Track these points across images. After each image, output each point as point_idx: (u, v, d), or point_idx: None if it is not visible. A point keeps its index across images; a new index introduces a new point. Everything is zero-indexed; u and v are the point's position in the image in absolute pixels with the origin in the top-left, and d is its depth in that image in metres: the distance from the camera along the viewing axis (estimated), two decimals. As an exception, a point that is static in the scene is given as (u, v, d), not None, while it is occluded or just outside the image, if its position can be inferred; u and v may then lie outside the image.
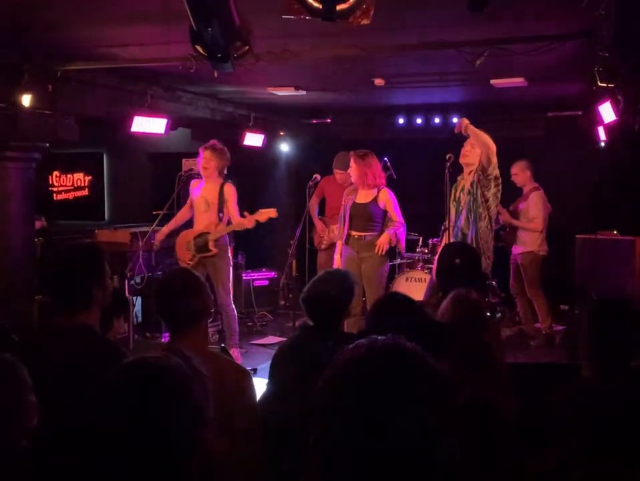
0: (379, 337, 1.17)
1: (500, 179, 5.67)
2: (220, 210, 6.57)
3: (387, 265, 6.47)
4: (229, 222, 6.62)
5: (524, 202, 7.51)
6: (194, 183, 6.80)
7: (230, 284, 6.69)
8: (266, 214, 6.45)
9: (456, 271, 4.06)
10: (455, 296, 3.11)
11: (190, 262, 6.61)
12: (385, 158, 7.74)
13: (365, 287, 6.21)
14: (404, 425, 1.06)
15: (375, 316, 2.76)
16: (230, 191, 6.58)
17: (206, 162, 6.50)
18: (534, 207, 7.38)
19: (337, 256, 6.57)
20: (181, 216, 6.86)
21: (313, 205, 7.90)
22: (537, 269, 7.38)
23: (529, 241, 7.36)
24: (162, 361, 1.56)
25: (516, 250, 7.51)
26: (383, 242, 6.17)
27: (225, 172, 6.68)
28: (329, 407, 1.11)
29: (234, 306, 6.70)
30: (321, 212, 8.25)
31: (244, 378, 2.75)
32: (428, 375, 1.12)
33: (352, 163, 6.43)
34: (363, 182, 6.33)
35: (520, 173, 7.56)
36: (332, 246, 7.29)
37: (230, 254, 6.80)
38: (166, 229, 6.75)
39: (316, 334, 3.24)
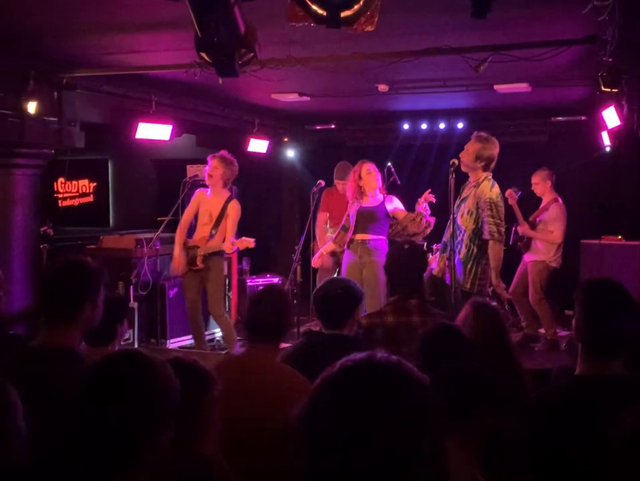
0: (374, 353, 1.20)
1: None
2: (216, 225, 6.51)
3: None
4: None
5: (544, 213, 7.47)
6: (199, 193, 6.72)
7: (223, 294, 6.71)
8: (246, 242, 6.43)
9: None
10: (475, 305, 3.15)
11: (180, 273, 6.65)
12: (389, 164, 7.74)
13: (366, 292, 6.19)
14: (386, 435, 1.07)
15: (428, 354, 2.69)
16: (234, 209, 6.52)
17: (212, 169, 6.46)
18: (556, 219, 7.35)
19: (322, 251, 6.63)
20: (183, 227, 6.76)
21: (322, 221, 7.78)
22: (545, 279, 7.34)
23: (543, 251, 7.33)
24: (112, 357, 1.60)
25: (528, 257, 7.47)
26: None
27: (230, 184, 6.65)
28: (312, 420, 1.13)
29: (227, 315, 6.71)
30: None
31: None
32: (410, 386, 1.14)
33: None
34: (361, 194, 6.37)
35: (541, 183, 7.50)
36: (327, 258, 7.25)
37: (225, 264, 6.77)
38: (178, 254, 6.62)
39: (321, 339, 3.27)
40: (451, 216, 5.50)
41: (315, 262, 6.81)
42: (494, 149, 5.44)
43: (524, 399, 2.61)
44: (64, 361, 2.44)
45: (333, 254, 6.93)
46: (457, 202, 5.59)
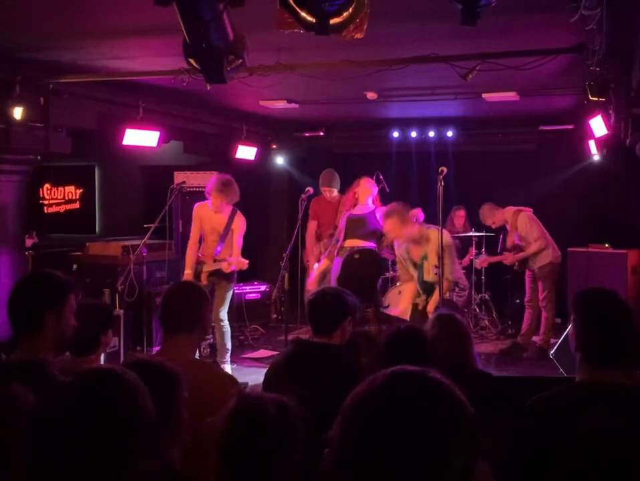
0: (399, 367, 1.19)
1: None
2: (222, 240, 6.52)
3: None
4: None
5: (515, 232, 7.50)
6: (199, 209, 6.71)
7: (227, 300, 6.68)
8: (240, 264, 6.43)
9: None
10: (437, 317, 3.27)
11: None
12: (377, 172, 7.74)
13: None
14: (425, 447, 1.08)
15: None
16: (239, 223, 6.55)
17: (219, 202, 6.45)
18: (529, 228, 7.38)
19: (316, 272, 6.61)
20: (193, 245, 6.75)
21: (312, 230, 7.78)
22: (555, 277, 7.42)
23: (542, 256, 7.38)
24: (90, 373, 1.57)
25: (534, 266, 7.49)
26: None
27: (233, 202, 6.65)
28: (353, 432, 1.12)
29: (227, 323, 6.67)
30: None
31: (234, 386, 2.75)
32: (449, 400, 1.14)
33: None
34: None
35: (491, 217, 7.62)
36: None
37: (232, 280, 6.75)
38: (188, 275, 6.61)
39: (310, 348, 3.24)
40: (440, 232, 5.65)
41: (311, 284, 6.75)
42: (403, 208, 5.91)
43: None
44: (29, 375, 2.36)
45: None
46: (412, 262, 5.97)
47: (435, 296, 5.79)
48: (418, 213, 6.02)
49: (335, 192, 7.41)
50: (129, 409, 1.51)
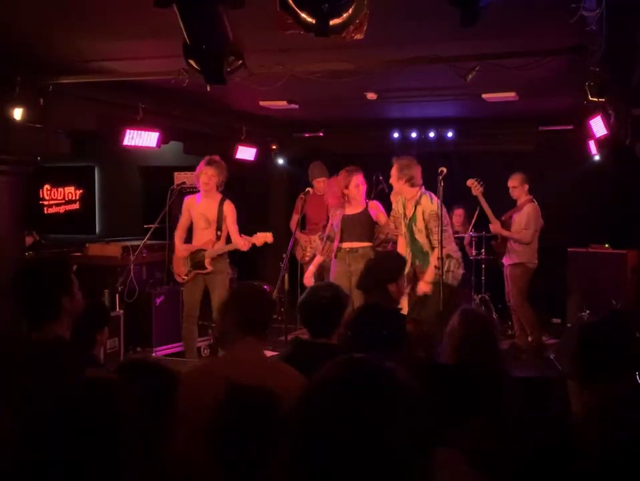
0: (355, 356, 1.20)
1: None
2: (219, 227, 6.56)
3: None
4: (228, 240, 6.61)
5: (517, 213, 7.50)
6: (189, 201, 6.74)
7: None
8: (263, 238, 6.47)
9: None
10: (463, 313, 3.18)
11: (185, 277, 6.62)
12: (377, 172, 7.74)
13: (355, 300, 6.17)
14: (378, 440, 1.07)
15: (356, 326, 2.81)
16: (230, 209, 6.59)
17: (208, 178, 6.49)
18: (526, 218, 7.38)
19: (311, 268, 6.60)
20: (181, 235, 6.79)
21: (294, 222, 7.91)
22: (526, 281, 7.35)
23: (520, 252, 7.34)
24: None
25: (506, 260, 7.50)
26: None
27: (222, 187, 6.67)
28: (303, 425, 1.12)
29: None
30: (302, 226, 8.25)
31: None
32: (401, 391, 1.13)
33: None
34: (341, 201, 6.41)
35: (519, 186, 7.55)
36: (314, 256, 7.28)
37: (229, 268, 6.78)
38: (178, 256, 6.67)
39: (309, 348, 3.24)
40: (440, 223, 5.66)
41: (307, 280, 6.73)
42: (412, 168, 6.07)
43: (510, 406, 2.61)
44: (57, 352, 2.53)
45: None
46: (406, 220, 6.09)
47: (430, 271, 5.85)
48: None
49: (326, 180, 7.56)
50: (121, 415, 1.51)
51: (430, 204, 5.91)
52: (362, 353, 1.21)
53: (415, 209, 6.01)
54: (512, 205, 7.71)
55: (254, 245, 6.54)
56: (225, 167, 6.62)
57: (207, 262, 6.50)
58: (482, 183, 7.22)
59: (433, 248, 5.92)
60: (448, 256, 5.88)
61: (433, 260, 5.86)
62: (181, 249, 6.65)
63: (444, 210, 5.97)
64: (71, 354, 2.60)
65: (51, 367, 2.45)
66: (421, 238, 5.98)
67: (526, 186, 7.54)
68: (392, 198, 6.41)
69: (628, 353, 2.47)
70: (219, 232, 6.54)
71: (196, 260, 6.54)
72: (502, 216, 7.54)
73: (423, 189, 6.09)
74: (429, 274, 5.88)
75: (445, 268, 5.81)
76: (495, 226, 7.39)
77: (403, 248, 6.14)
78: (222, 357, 3.16)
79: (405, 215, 6.12)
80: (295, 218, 7.97)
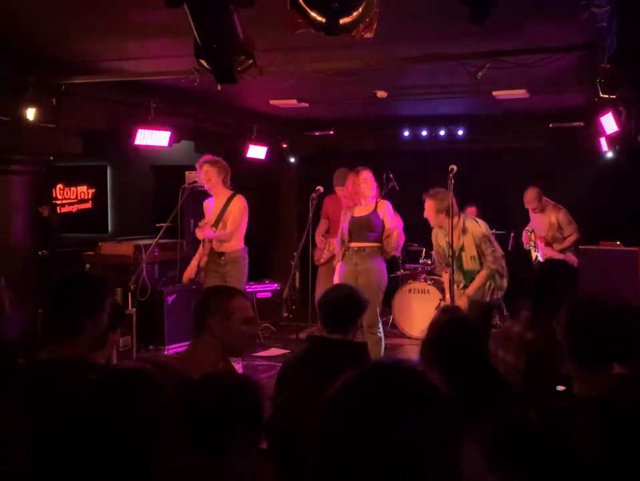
0: (385, 359, 1.22)
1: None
2: (217, 223, 6.49)
3: (385, 278, 6.34)
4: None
5: (544, 221, 7.64)
6: (205, 205, 6.77)
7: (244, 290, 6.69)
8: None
9: None
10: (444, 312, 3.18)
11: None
12: (387, 171, 7.74)
13: None
14: (401, 439, 1.07)
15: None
16: (237, 204, 6.50)
17: (205, 174, 6.49)
18: (567, 223, 7.60)
19: (336, 277, 6.50)
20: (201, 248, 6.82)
21: (322, 227, 7.81)
22: None
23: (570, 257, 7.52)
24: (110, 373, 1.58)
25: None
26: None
27: (229, 181, 6.64)
28: (331, 423, 1.13)
29: None
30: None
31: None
32: (427, 393, 1.13)
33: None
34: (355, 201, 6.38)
35: (536, 202, 7.79)
36: (331, 259, 7.26)
37: (245, 265, 6.71)
38: (195, 263, 6.68)
39: (326, 344, 3.27)
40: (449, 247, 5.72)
41: (324, 257, 6.75)
42: (448, 199, 5.76)
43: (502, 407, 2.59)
44: (77, 371, 2.44)
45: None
46: (447, 251, 5.86)
47: (475, 284, 5.75)
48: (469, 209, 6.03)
49: None
50: (160, 405, 1.52)
51: (478, 227, 5.79)
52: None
53: (463, 237, 5.82)
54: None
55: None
56: (219, 161, 6.54)
57: (201, 261, 6.54)
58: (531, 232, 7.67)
59: (481, 269, 5.78)
60: (497, 271, 5.77)
61: (480, 278, 5.72)
62: (197, 254, 6.65)
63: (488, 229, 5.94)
64: (88, 372, 2.57)
65: (67, 384, 2.42)
66: (473, 265, 5.80)
67: (543, 199, 7.69)
68: (432, 236, 6.13)
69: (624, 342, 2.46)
70: (214, 228, 6.48)
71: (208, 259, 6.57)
72: (546, 237, 7.74)
73: (463, 214, 5.98)
74: (472, 289, 5.76)
75: (492, 287, 5.76)
76: (551, 253, 7.62)
77: (447, 282, 5.99)
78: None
79: (450, 247, 5.87)
80: (324, 223, 7.84)
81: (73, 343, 2.61)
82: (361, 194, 6.28)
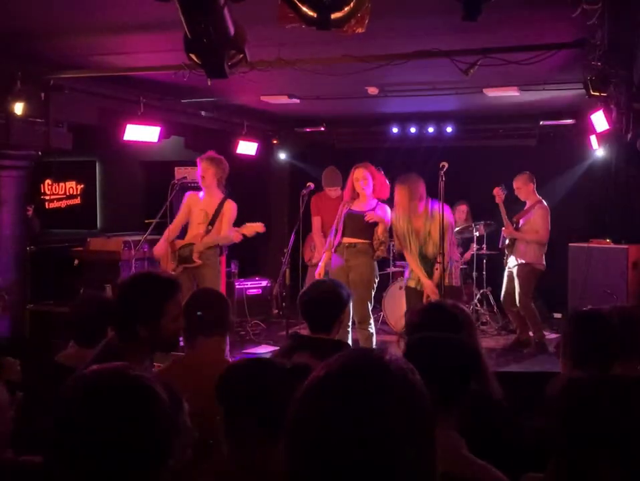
0: (355, 350, 1.18)
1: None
2: (212, 223, 6.45)
3: (375, 274, 6.33)
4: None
5: (528, 214, 7.47)
6: (191, 196, 6.67)
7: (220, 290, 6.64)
8: (253, 228, 6.35)
9: None
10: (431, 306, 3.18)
11: (173, 272, 6.56)
12: (379, 167, 7.72)
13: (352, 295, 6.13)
14: (372, 433, 1.06)
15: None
16: (229, 208, 6.45)
17: (203, 171, 6.42)
18: (541, 220, 7.36)
19: (321, 264, 6.47)
20: (174, 228, 6.73)
21: (317, 227, 7.69)
22: (533, 282, 7.35)
23: (529, 253, 7.33)
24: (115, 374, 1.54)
25: (513, 262, 7.48)
26: (373, 215, 6.15)
27: (223, 183, 6.60)
28: (300, 419, 1.12)
29: None
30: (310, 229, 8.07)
31: None
32: (400, 385, 1.12)
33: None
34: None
35: (524, 187, 7.49)
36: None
37: (221, 264, 6.72)
38: (164, 241, 6.58)
39: (307, 342, 3.25)
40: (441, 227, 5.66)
41: (320, 274, 6.65)
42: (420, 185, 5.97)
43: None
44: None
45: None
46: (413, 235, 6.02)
47: (436, 276, 5.88)
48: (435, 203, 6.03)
49: (339, 190, 7.36)
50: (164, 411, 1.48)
51: (444, 214, 5.85)
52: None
53: (428, 221, 5.93)
54: (514, 200, 7.69)
55: (246, 237, 6.43)
56: (220, 160, 6.48)
57: (195, 256, 6.40)
58: (505, 191, 7.29)
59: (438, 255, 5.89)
60: (450, 260, 5.97)
61: (439, 266, 5.86)
62: (162, 244, 6.51)
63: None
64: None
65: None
66: (432, 248, 5.92)
67: (531, 185, 7.49)
68: (394, 220, 6.15)
69: (621, 341, 2.47)
70: (210, 227, 6.45)
71: (184, 254, 6.45)
72: (513, 217, 7.53)
73: (429, 200, 6.02)
74: (436, 279, 5.89)
75: (448, 271, 5.91)
76: (509, 230, 7.42)
77: (415, 264, 6.04)
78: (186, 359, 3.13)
79: (412, 230, 5.98)
80: (317, 221, 7.70)
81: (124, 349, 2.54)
82: (359, 193, 6.28)
